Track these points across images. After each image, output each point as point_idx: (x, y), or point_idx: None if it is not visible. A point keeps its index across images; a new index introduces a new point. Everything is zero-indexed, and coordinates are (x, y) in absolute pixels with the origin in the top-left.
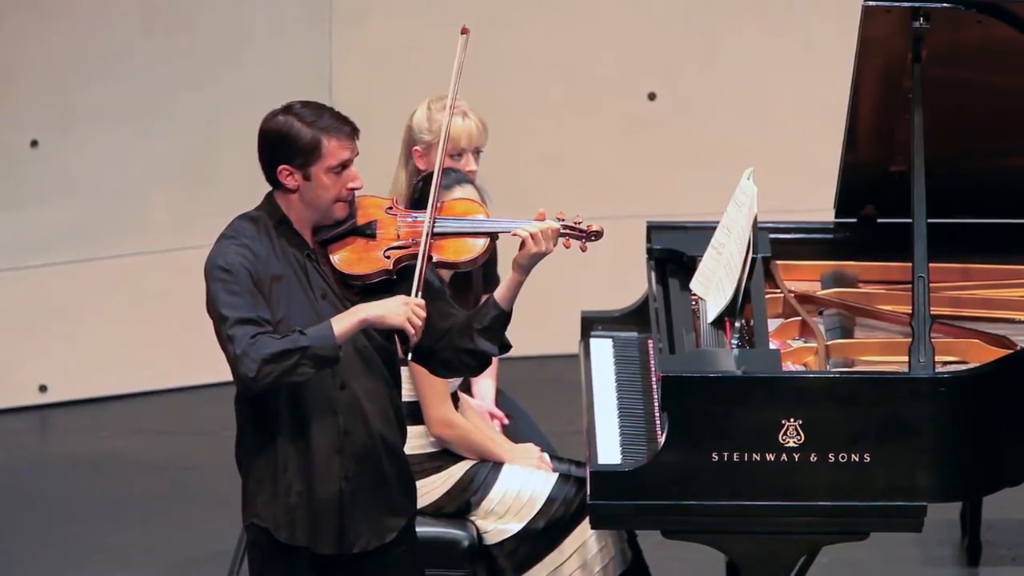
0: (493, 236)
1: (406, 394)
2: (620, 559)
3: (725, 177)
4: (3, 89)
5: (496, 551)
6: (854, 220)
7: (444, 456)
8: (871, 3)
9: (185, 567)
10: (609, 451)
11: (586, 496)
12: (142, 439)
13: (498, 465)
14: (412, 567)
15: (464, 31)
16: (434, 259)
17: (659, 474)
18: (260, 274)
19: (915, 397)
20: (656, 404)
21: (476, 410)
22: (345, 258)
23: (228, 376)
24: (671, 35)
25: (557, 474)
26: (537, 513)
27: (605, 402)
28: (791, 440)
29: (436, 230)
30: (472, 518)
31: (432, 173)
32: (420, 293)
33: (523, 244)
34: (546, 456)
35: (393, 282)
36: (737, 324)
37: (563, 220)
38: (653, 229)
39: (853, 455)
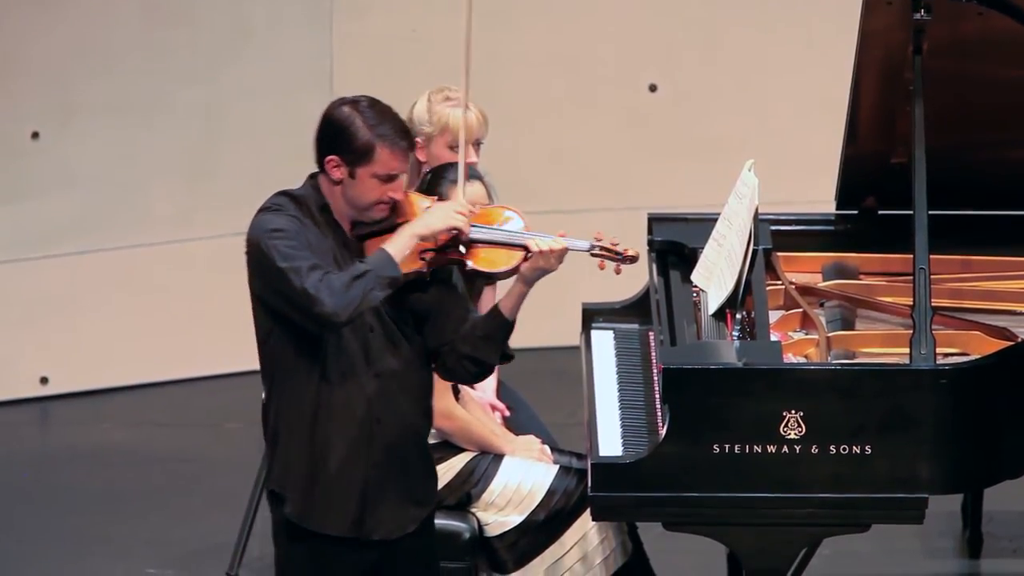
0: (527, 249)
1: None
2: (621, 551)
3: (726, 169)
4: (4, 81)
5: (497, 543)
6: (855, 212)
7: (445, 448)
8: None
9: (185, 559)
10: (610, 443)
11: (587, 488)
12: (143, 431)
13: (499, 457)
14: (430, 557)
15: None
16: (469, 266)
17: (660, 466)
18: (309, 239)
19: (916, 389)
20: (657, 396)
21: (477, 402)
22: None
23: (230, 368)
24: (672, 27)
25: (558, 466)
26: (538, 505)
27: (606, 394)
28: (792, 432)
29: (472, 236)
30: (473, 510)
31: (441, 165)
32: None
33: (530, 256)
34: (547, 448)
35: (425, 283)
36: (738, 316)
37: (600, 241)
38: (654, 221)
39: (854, 447)
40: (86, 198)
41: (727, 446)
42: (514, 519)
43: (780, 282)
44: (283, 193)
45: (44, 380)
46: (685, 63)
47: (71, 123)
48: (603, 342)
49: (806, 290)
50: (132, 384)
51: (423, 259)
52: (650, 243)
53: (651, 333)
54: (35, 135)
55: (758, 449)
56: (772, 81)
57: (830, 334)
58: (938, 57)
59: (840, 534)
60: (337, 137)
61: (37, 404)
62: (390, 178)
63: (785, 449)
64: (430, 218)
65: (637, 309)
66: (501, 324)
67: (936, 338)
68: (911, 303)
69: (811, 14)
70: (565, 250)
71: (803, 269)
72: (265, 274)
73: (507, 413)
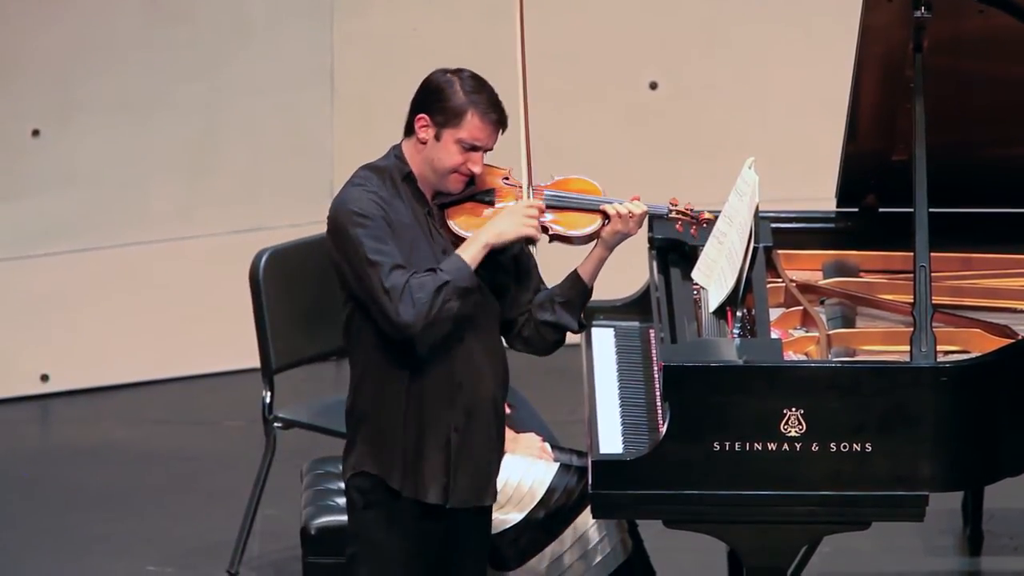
0: (604, 215)
1: None
2: (621, 549)
3: (727, 166)
4: (5, 78)
5: (497, 541)
6: (855, 209)
7: None
8: None
9: (185, 557)
10: (611, 440)
11: (587, 486)
12: (143, 429)
13: None
14: (487, 540)
15: None
16: (549, 232)
17: (660, 463)
18: (391, 220)
19: (917, 387)
20: (658, 393)
21: None
22: (464, 221)
23: (230, 366)
24: (673, 24)
25: (558, 464)
26: (538, 503)
27: (607, 391)
28: (793, 429)
29: (550, 204)
30: None
31: None
32: (530, 194)
33: (609, 221)
34: (547, 446)
35: (501, 251)
36: (739, 313)
37: (676, 206)
38: (654, 218)
39: (855, 444)
40: (87, 196)
41: (728, 444)
42: (514, 517)
43: (781, 280)
44: (366, 167)
45: (44, 378)
46: (686, 60)
47: (71, 121)
48: (604, 339)
49: (806, 288)
50: (133, 382)
51: None
52: (651, 240)
53: (652, 331)
54: (35, 133)
55: (759, 447)
56: (773, 79)
57: (830, 332)
58: (939, 54)
59: (841, 532)
60: (432, 97)
61: (37, 402)
62: (473, 148)
63: (785, 447)
64: (502, 224)
65: (638, 306)
66: (581, 290)
67: (937, 336)
68: (912, 301)
69: (812, 12)
70: (645, 213)
71: (804, 267)
72: (351, 260)
73: (508, 410)
